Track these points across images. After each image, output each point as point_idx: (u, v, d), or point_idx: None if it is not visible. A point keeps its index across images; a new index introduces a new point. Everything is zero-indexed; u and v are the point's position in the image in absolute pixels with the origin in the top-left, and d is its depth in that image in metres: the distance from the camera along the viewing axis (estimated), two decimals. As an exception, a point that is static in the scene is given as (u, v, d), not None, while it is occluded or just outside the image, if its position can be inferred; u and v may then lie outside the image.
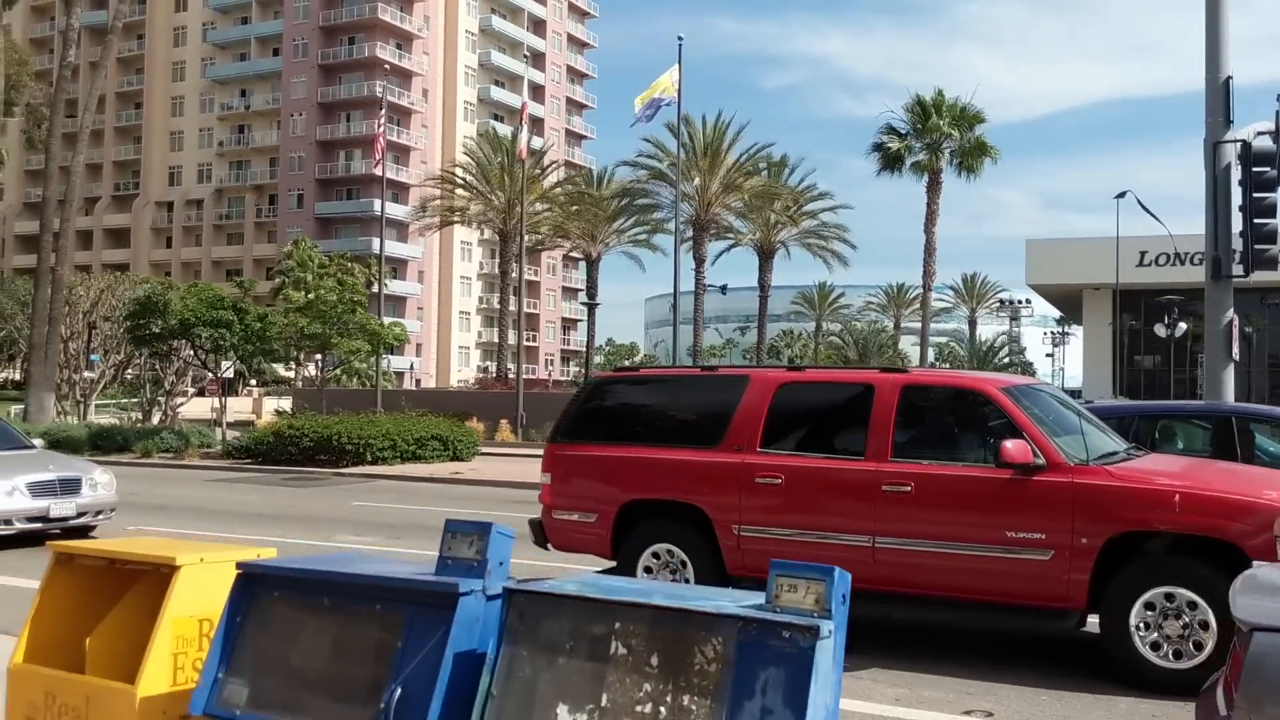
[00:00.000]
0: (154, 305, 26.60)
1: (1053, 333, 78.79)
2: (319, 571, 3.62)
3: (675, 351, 41.82)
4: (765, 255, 53.32)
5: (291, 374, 76.27)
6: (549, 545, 9.39)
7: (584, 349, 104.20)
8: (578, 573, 10.28)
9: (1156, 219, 35.33)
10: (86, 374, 50.33)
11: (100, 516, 13.17)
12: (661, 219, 52.28)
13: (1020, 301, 69.34)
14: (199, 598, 3.92)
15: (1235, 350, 15.90)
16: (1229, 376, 15.94)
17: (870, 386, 8.31)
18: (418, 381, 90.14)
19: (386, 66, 76.34)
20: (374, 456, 23.39)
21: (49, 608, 4.30)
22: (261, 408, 70.85)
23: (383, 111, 39.99)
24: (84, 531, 12.97)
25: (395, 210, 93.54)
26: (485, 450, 28.42)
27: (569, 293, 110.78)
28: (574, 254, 56.38)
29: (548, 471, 9.30)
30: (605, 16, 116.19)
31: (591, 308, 58.24)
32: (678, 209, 42.26)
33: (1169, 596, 7.05)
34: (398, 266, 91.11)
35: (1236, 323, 16.03)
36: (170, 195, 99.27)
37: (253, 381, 76.36)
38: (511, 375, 61.99)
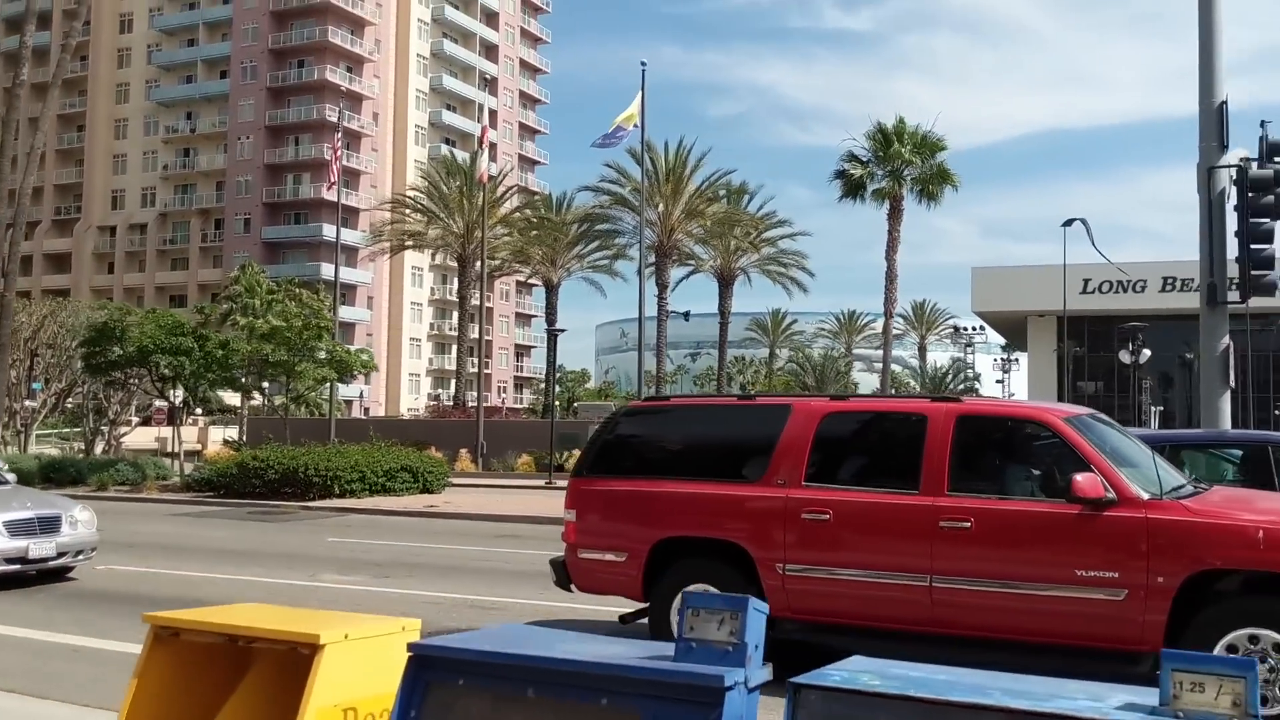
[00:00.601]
0: (111, 332, 25.67)
1: (1001, 359, 79.51)
2: (518, 656, 2.92)
3: (640, 378, 41.43)
4: (725, 282, 53.19)
5: (236, 402, 74.99)
6: (572, 586, 8.91)
7: (539, 375, 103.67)
8: (590, 615, 9.88)
9: (1102, 254, 35.20)
10: (28, 403, 48.91)
11: (80, 556, 12.46)
12: (624, 244, 52.02)
13: (974, 329, 69.74)
14: (344, 682, 3.34)
15: (1232, 377, 15.80)
16: (1225, 404, 15.82)
17: (923, 417, 7.96)
18: (366, 410, 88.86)
19: (343, 89, 75.61)
20: (342, 489, 22.67)
21: (149, 694, 3.65)
22: (207, 437, 69.41)
23: (338, 134, 39.43)
24: (62, 573, 12.27)
25: (346, 235, 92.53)
26: (451, 481, 27.77)
27: (522, 319, 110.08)
28: (532, 280, 55.85)
29: (572, 508, 8.81)
30: (557, 42, 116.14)
31: (553, 335, 57.71)
32: (642, 234, 41.94)
33: (1253, 639, 6.75)
34: (347, 292, 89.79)
35: (1233, 349, 15.93)
36: (113, 219, 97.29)
37: (198, 410, 74.92)
38: (470, 404, 61.33)
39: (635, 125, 36.40)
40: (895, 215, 41.83)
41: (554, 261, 54.20)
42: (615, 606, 9.19)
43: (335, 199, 39.28)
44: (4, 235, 29.59)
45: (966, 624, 7.53)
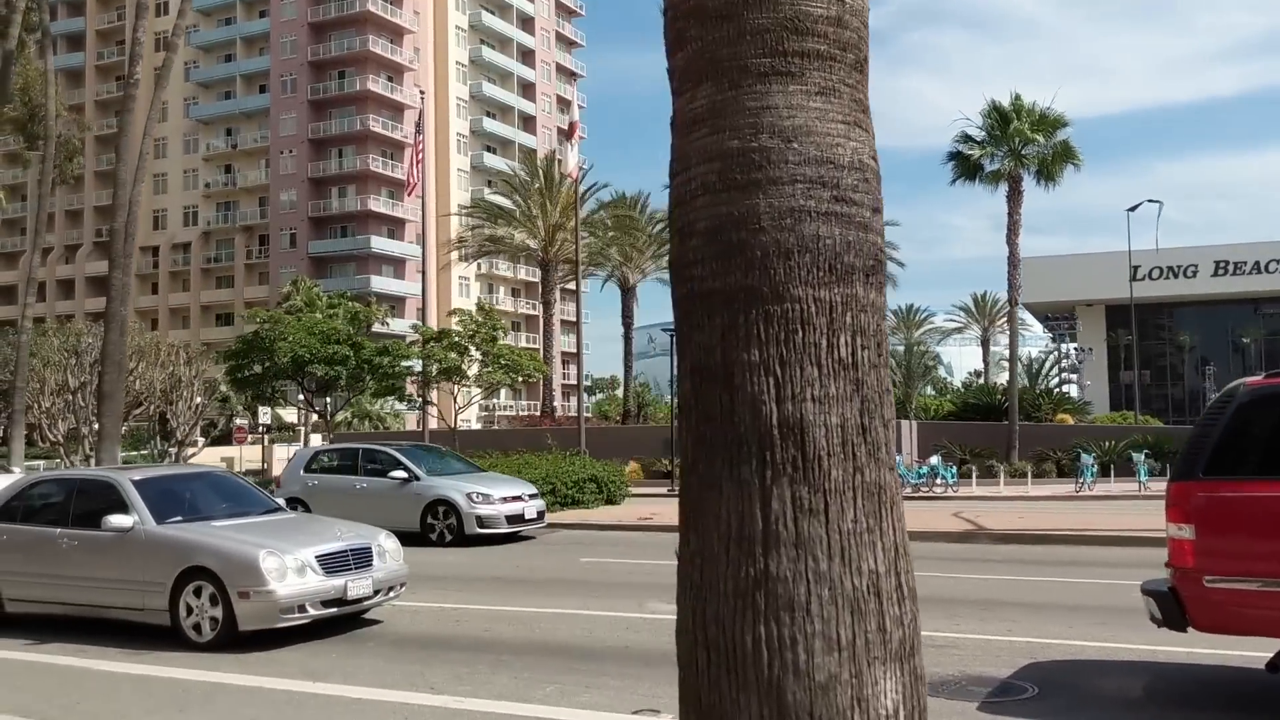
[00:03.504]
0: (262, 343, 23.87)
1: (1072, 349, 77.50)
2: None
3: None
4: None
5: (294, 419, 73.25)
6: (1189, 625, 6.94)
7: (587, 382, 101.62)
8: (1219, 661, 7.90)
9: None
10: (96, 427, 47.44)
11: (392, 594, 10.64)
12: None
13: (1066, 317, 67.67)
14: None
15: None
16: None
17: None
18: (419, 423, 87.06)
19: (385, 98, 73.69)
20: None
21: None
22: (272, 456, 67.64)
23: (420, 136, 37.24)
24: (359, 614, 10.43)
25: (394, 246, 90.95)
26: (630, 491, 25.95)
27: (566, 325, 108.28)
28: (608, 281, 54.05)
29: (1186, 520, 6.81)
30: (591, 47, 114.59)
31: (628, 339, 56.15)
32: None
33: None
34: (396, 303, 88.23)
35: None
36: (155, 240, 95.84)
37: (259, 428, 73.20)
38: (558, 411, 59.40)
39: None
40: (1015, 197, 39.77)
41: (631, 262, 52.35)
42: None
43: (418, 200, 37.15)
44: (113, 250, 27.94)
45: None
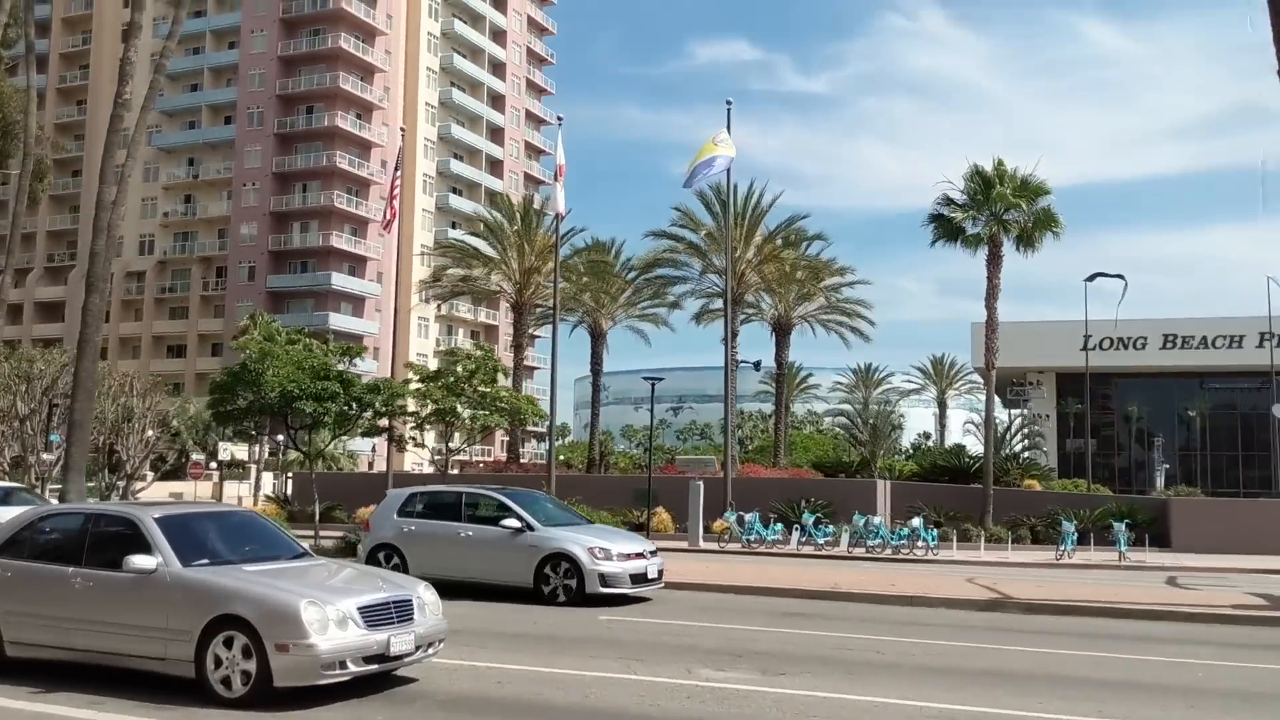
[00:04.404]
0: (248, 376, 22.98)
1: (1033, 414, 78.08)
2: None
3: (728, 431, 39.02)
4: (783, 331, 51.14)
5: (245, 456, 71.56)
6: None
7: (540, 429, 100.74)
8: None
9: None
10: (44, 455, 46.04)
11: (432, 650, 9.93)
12: (685, 292, 49.94)
13: (1031, 383, 68.13)
14: None
15: None
16: None
17: None
18: (370, 464, 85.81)
19: (385, 138, 73.23)
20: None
21: None
22: (222, 493, 65.89)
23: (398, 172, 36.53)
24: (389, 671, 9.70)
25: (355, 284, 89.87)
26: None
27: (525, 370, 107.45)
28: (581, 326, 53.47)
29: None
30: (561, 95, 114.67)
31: (596, 386, 55.54)
32: (729, 278, 39.92)
33: None
34: (352, 342, 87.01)
35: None
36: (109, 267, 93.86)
37: (212, 464, 71.39)
38: (522, 459, 58.51)
39: (732, 157, 35.06)
40: (995, 261, 39.81)
41: (603, 308, 51.85)
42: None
43: (380, 239, 36.60)
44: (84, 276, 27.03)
45: None
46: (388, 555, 17.46)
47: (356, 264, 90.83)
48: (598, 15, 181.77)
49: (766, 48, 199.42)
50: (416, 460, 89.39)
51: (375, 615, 9.27)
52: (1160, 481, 63.49)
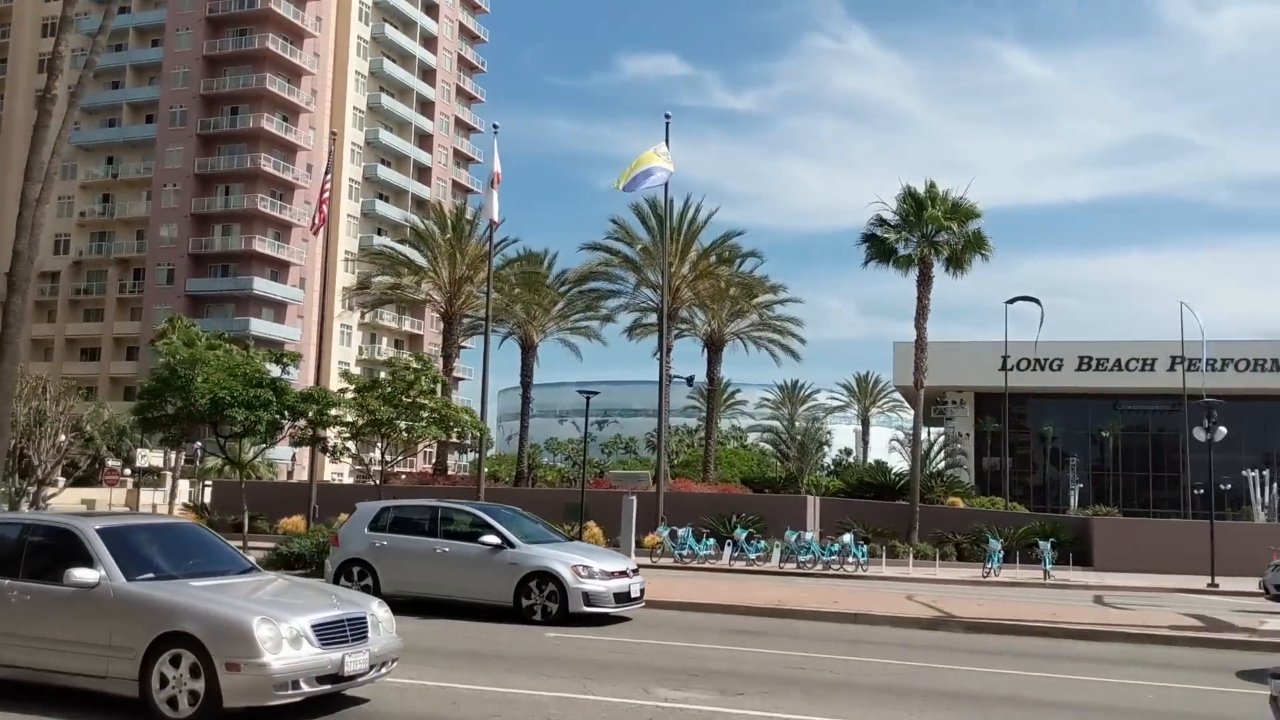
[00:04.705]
0: (177, 382, 22.22)
1: (954, 434, 79.20)
2: None
3: (660, 446, 39.06)
4: (715, 348, 51.27)
5: (160, 463, 69.66)
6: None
7: (467, 440, 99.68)
8: None
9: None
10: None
11: (385, 669, 9.63)
12: (619, 306, 49.85)
13: (954, 402, 69.07)
14: None
15: None
16: None
17: None
18: (290, 474, 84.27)
19: (311, 141, 72.00)
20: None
21: None
22: (137, 501, 64.14)
23: (328, 175, 35.91)
24: (343, 691, 9.38)
25: (277, 289, 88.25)
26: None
27: (452, 381, 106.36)
28: (507, 339, 52.99)
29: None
30: (491, 104, 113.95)
31: (526, 399, 55.24)
32: (665, 292, 39.93)
33: None
34: (273, 348, 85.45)
35: None
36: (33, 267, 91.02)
37: (126, 471, 69.43)
38: (450, 471, 57.83)
39: (671, 171, 35.01)
40: (925, 282, 40.38)
41: (534, 320, 51.50)
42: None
43: (304, 243, 35.99)
44: None
45: None
46: (360, 572, 16.81)
47: (279, 269, 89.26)
48: (530, 25, 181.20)
49: (695, 64, 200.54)
50: (336, 471, 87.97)
51: (329, 633, 8.96)
52: (1074, 500, 64.89)
